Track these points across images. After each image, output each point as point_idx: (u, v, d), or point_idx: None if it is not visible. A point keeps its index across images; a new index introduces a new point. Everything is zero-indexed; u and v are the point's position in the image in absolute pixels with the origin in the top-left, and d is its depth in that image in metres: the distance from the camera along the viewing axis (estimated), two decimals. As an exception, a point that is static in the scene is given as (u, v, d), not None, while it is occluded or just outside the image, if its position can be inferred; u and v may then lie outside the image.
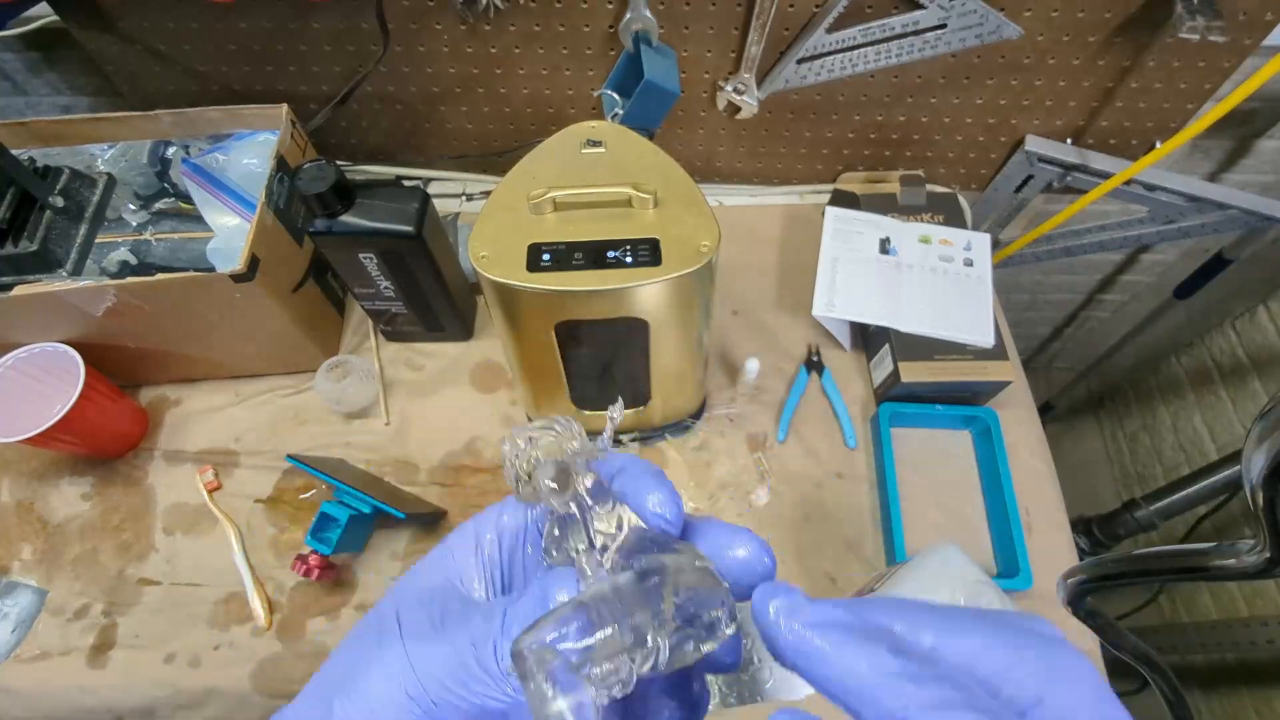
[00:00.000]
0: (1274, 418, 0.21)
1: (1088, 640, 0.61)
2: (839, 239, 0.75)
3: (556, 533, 0.22)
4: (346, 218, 0.60)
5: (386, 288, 0.68)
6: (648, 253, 0.48)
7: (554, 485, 0.20)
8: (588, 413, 0.66)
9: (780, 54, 0.72)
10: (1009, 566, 0.63)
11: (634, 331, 0.53)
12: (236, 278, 0.60)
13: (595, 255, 0.48)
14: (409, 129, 0.85)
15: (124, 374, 0.72)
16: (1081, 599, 0.35)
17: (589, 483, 0.21)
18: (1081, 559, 0.47)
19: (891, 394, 0.70)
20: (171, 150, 0.71)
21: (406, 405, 0.74)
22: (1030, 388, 0.75)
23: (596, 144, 0.53)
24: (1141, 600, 1.16)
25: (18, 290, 0.60)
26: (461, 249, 0.76)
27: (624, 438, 0.70)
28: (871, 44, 0.69)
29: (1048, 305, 1.29)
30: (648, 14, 0.67)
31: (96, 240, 0.66)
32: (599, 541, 0.20)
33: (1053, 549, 0.66)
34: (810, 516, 0.68)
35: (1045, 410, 1.50)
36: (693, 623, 0.19)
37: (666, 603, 0.18)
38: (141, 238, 0.67)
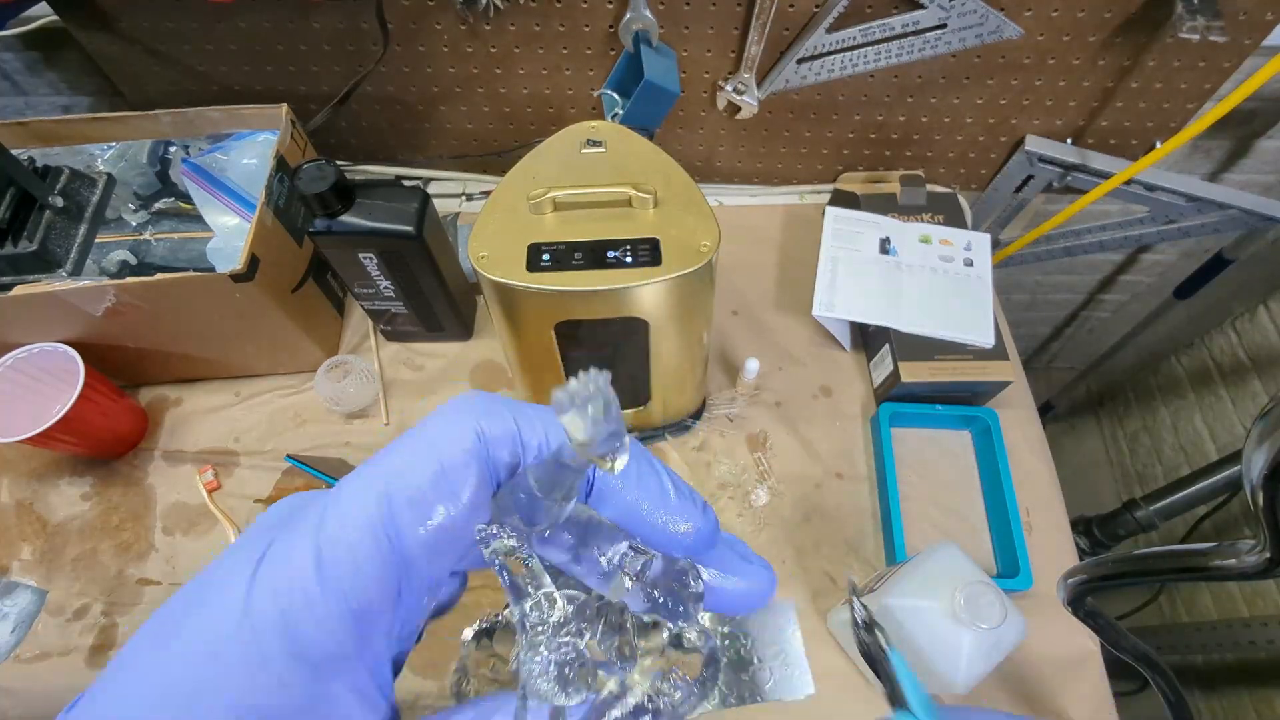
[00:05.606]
0: (1274, 418, 0.21)
1: (1088, 640, 0.61)
2: (839, 239, 0.75)
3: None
4: (346, 218, 0.60)
5: (386, 288, 0.68)
6: (648, 253, 0.48)
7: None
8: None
9: (780, 54, 0.72)
10: (1009, 566, 0.63)
11: (634, 331, 0.53)
12: (236, 278, 0.60)
13: (595, 255, 0.48)
14: (409, 129, 0.85)
15: (124, 374, 0.72)
16: (1081, 599, 0.35)
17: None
18: (1081, 559, 0.47)
19: (891, 394, 0.70)
20: (171, 150, 0.71)
21: (406, 405, 0.74)
22: (1030, 388, 0.75)
23: (596, 144, 0.53)
24: (1141, 600, 1.16)
25: (18, 290, 0.60)
26: (461, 249, 0.76)
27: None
28: (871, 44, 0.69)
29: (1048, 305, 1.29)
30: (648, 14, 0.67)
31: (96, 240, 0.66)
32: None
33: (1053, 549, 0.66)
34: (810, 517, 0.68)
35: (1045, 410, 1.50)
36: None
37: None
38: (141, 238, 0.67)
